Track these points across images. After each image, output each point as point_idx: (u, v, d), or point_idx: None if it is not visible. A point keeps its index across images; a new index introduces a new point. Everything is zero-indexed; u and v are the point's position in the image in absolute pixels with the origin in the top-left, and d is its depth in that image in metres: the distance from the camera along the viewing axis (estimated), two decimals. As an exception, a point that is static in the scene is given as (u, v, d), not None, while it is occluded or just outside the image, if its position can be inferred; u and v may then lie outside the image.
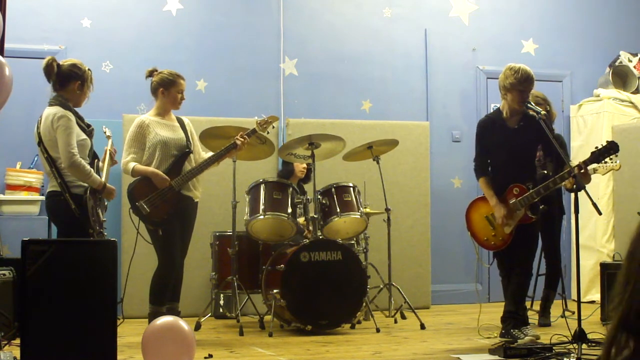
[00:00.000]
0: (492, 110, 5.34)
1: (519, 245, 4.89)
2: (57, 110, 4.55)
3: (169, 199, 4.94)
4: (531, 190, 4.77)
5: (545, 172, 5.39)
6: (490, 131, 4.93)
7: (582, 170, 4.46)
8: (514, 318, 4.90)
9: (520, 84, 4.80)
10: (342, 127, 6.79)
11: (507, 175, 4.86)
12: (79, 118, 4.65)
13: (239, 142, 5.14)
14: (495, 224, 4.89)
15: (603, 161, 4.69)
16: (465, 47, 7.78)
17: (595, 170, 5.51)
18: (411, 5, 7.69)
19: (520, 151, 4.90)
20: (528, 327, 4.85)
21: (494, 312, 5.38)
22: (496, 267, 5.17)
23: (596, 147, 4.55)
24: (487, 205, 4.93)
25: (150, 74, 5.17)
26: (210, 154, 5.17)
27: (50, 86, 4.71)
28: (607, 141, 4.59)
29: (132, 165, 4.97)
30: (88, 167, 4.56)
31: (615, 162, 5.39)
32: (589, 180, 4.63)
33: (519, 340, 4.66)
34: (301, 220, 5.76)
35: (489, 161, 4.99)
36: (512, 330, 4.84)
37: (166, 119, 5.15)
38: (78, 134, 4.58)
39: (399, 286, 6.10)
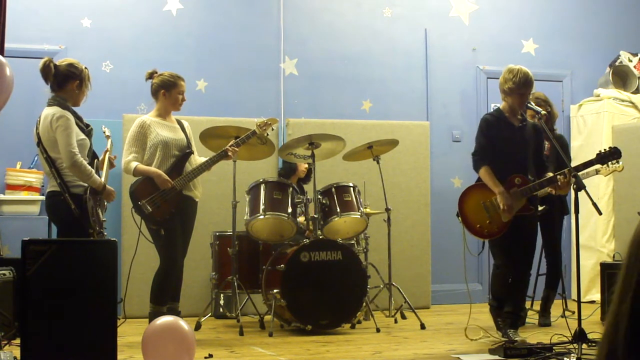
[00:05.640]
0: (492, 110, 5.35)
1: (518, 244, 4.89)
2: (55, 110, 4.54)
3: (171, 199, 4.95)
4: (535, 182, 4.78)
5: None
6: (497, 127, 4.92)
7: (566, 179, 4.59)
8: (510, 318, 4.90)
9: (519, 88, 4.83)
10: (342, 127, 6.79)
11: (510, 170, 4.85)
12: (77, 118, 4.64)
13: (230, 153, 5.16)
14: (491, 212, 4.84)
15: (605, 164, 4.78)
16: (465, 47, 7.78)
17: (597, 172, 5.52)
18: (411, 5, 7.69)
19: (524, 148, 4.94)
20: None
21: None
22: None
23: (600, 151, 4.60)
24: (484, 192, 4.86)
25: (150, 75, 5.19)
26: (204, 159, 5.19)
27: (49, 87, 4.70)
28: (610, 147, 4.66)
29: (134, 165, 4.98)
30: (89, 167, 4.56)
31: (618, 163, 5.41)
32: (567, 190, 4.72)
33: (517, 339, 4.66)
34: (301, 219, 5.76)
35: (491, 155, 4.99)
36: (508, 331, 4.84)
37: (167, 120, 5.17)
38: (77, 133, 4.57)
39: (399, 286, 6.10)
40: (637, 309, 1.19)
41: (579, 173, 4.50)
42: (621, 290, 1.23)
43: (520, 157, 4.93)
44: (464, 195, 4.99)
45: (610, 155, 4.59)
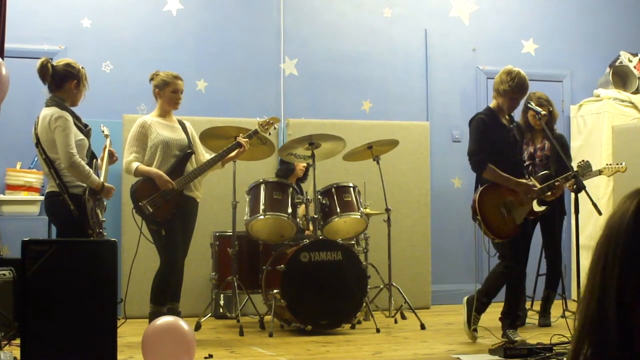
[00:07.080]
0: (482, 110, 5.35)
1: (523, 244, 4.90)
2: (54, 111, 4.54)
3: (172, 199, 4.95)
4: (542, 185, 4.82)
5: (548, 172, 5.40)
6: (492, 127, 4.91)
7: (557, 184, 4.93)
8: (509, 318, 4.90)
9: (513, 92, 4.81)
10: (342, 127, 6.79)
11: (510, 171, 4.84)
12: (76, 118, 4.64)
13: (242, 142, 5.17)
14: (506, 213, 4.80)
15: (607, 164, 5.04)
16: (465, 47, 7.78)
17: (600, 172, 5.52)
18: (411, 5, 7.69)
19: (519, 148, 4.98)
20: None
21: (494, 312, 5.37)
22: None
23: (578, 163, 5.13)
24: (497, 194, 4.83)
25: (152, 77, 5.20)
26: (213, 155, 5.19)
27: (46, 87, 4.69)
28: (583, 160, 5.26)
29: (135, 165, 4.98)
30: (87, 167, 4.56)
31: (622, 164, 5.42)
32: (559, 193, 5.12)
33: (517, 339, 4.66)
34: (301, 209, 5.74)
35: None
36: (507, 331, 4.84)
37: (167, 120, 5.17)
38: (75, 134, 4.57)
39: (399, 286, 6.10)
40: (624, 305, 1.17)
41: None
42: (600, 289, 1.21)
43: (518, 158, 4.96)
44: (481, 198, 4.88)
45: (586, 168, 5.16)
